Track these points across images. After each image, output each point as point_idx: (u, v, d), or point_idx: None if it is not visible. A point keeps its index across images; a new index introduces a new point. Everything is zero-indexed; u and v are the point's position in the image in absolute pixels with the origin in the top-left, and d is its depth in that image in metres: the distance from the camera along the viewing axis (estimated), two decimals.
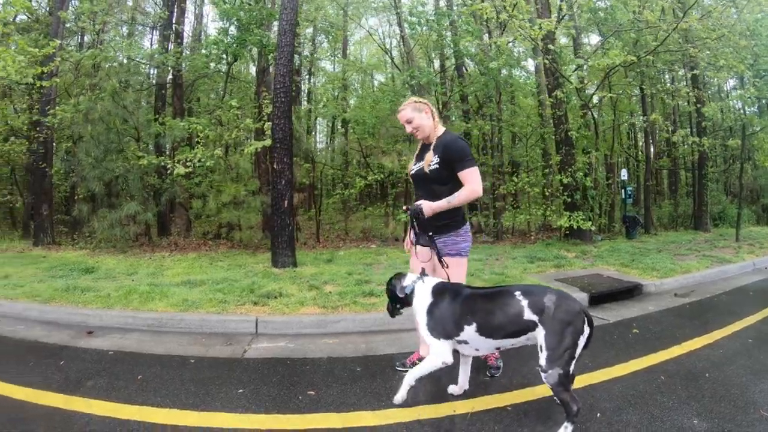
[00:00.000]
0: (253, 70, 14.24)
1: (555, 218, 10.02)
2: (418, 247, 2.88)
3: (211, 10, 15.55)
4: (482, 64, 10.33)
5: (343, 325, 4.16)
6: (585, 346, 2.29)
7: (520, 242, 10.32)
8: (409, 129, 2.86)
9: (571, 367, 2.24)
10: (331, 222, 13.73)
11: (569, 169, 9.91)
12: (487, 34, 11.59)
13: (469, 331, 2.37)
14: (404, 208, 2.98)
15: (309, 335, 4.00)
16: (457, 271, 2.78)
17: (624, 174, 11.79)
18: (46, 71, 8.65)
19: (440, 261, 2.77)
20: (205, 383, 2.91)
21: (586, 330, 2.27)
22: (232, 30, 10.64)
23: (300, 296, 4.94)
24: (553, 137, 10.72)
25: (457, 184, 2.71)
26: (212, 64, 10.96)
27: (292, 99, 7.58)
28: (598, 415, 2.48)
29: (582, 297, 5.00)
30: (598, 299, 5.08)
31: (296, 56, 12.39)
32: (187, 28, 12.33)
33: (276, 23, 11.52)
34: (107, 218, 8.59)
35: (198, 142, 8.68)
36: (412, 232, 2.95)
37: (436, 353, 2.45)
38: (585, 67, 10.51)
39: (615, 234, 11.58)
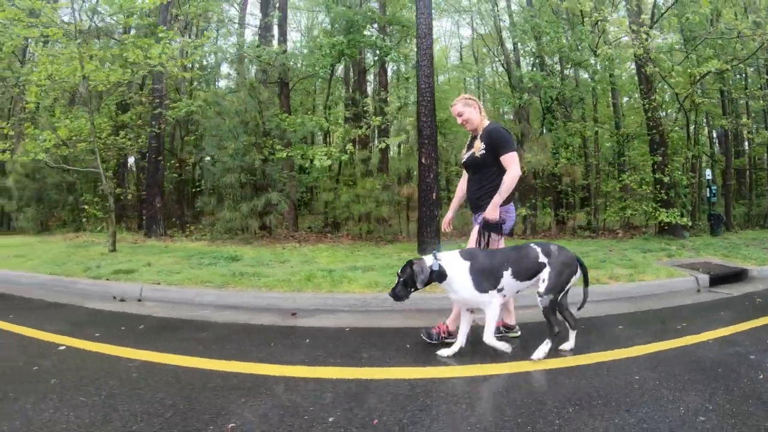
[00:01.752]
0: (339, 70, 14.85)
1: (652, 215, 10.52)
2: (476, 225, 3.42)
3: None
4: (585, 67, 10.85)
5: None
6: (586, 284, 3.17)
7: (613, 237, 10.87)
8: (459, 120, 3.42)
9: (559, 297, 2.99)
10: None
11: (666, 168, 10.45)
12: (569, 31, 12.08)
13: (507, 276, 2.95)
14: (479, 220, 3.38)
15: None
16: (495, 246, 3.30)
17: (708, 174, 12.26)
18: (186, 63, 9.17)
19: (481, 236, 3.28)
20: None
21: (579, 272, 3.08)
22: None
23: None
24: (648, 137, 11.24)
25: (501, 167, 3.23)
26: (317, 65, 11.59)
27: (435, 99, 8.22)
28: (752, 357, 3.00)
29: (704, 278, 5.63)
30: (715, 281, 5.71)
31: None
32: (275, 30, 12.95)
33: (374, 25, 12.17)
34: (240, 210, 9.16)
35: (324, 139, 9.35)
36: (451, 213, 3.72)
37: (491, 304, 2.95)
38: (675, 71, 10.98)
39: (699, 231, 12.06)
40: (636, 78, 11.72)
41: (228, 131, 9.40)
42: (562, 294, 3.00)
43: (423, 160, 7.80)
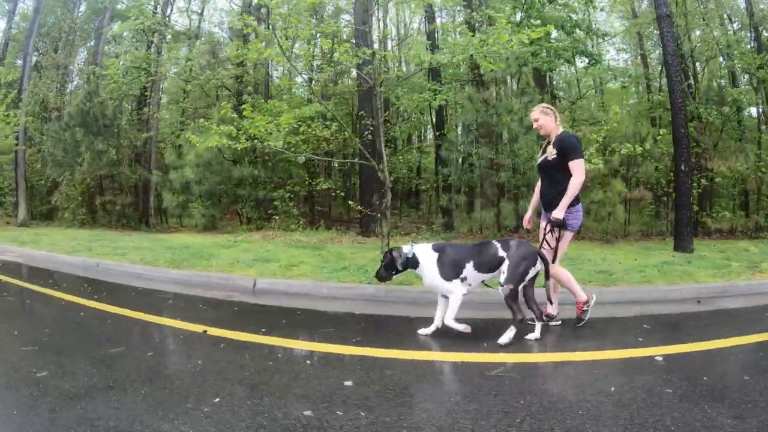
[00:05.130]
0: None
1: None
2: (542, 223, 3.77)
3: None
4: None
5: None
6: (546, 278, 3.44)
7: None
8: (535, 125, 3.77)
9: (519, 287, 3.29)
10: None
11: None
12: None
13: (469, 268, 3.35)
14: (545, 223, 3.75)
15: None
16: (561, 243, 3.61)
17: None
18: None
19: (548, 232, 3.63)
20: None
21: (539, 265, 3.38)
22: None
23: None
24: None
25: (568, 172, 3.54)
26: None
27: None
28: None
29: None
30: None
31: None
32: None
33: None
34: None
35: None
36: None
37: (454, 291, 3.33)
38: None
39: None
40: None
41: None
42: (523, 284, 3.32)
43: (682, 168, 7.99)
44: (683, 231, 7.88)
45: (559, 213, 3.49)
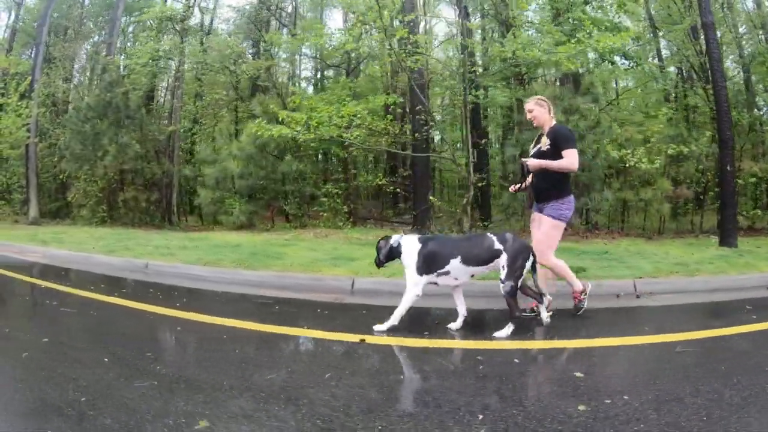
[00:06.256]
0: None
1: None
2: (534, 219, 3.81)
3: None
4: None
5: None
6: (534, 271, 3.36)
7: None
8: (529, 116, 3.81)
9: (518, 283, 3.22)
10: None
11: None
12: None
13: (455, 263, 3.25)
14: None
15: None
16: (553, 233, 3.63)
17: None
18: None
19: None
20: None
21: (531, 258, 3.31)
22: None
23: None
24: None
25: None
26: None
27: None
28: None
29: None
30: None
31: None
32: None
33: None
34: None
35: None
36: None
37: (414, 286, 3.27)
38: None
39: None
40: None
41: None
42: (520, 279, 3.24)
43: (728, 168, 8.05)
44: (729, 227, 8.02)
45: (533, 162, 3.63)
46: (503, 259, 3.23)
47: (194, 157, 12.42)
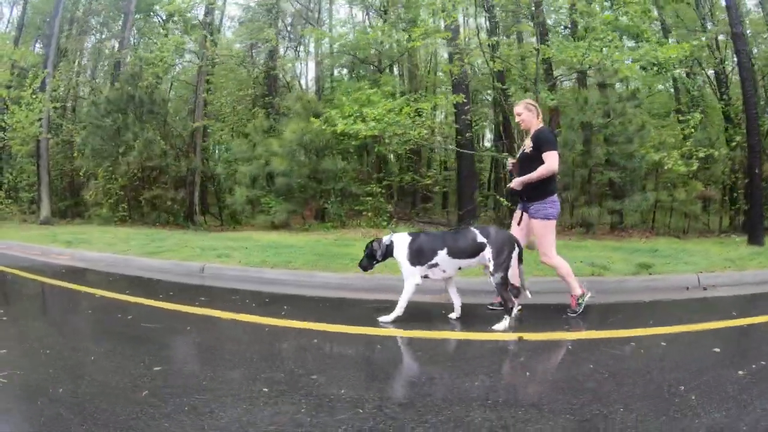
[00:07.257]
0: None
1: None
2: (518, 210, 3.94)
3: None
4: None
5: None
6: (520, 261, 3.43)
7: None
8: (517, 119, 3.94)
9: (507, 274, 3.30)
10: None
11: None
12: None
13: (442, 255, 3.39)
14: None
15: None
16: (545, 232, 3.71)
17: None
18: None
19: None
20: None
21: (517, 249, 3.40)
22: None
23: None
24: None
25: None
26: None
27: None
28: None
29: None
30: None
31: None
32: None
33: None
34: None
35: None
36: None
37: (409, 276, 3.42)
38: None
39: None
40: None
41: None
42: (508, 270, 3.32)
43: (756, 171, 8.24)
44: (757, 227, 8.27)
45: (517, 184, 3.73)
46: (488, 252, 3.33)
47: (221, 154, 12.03)
